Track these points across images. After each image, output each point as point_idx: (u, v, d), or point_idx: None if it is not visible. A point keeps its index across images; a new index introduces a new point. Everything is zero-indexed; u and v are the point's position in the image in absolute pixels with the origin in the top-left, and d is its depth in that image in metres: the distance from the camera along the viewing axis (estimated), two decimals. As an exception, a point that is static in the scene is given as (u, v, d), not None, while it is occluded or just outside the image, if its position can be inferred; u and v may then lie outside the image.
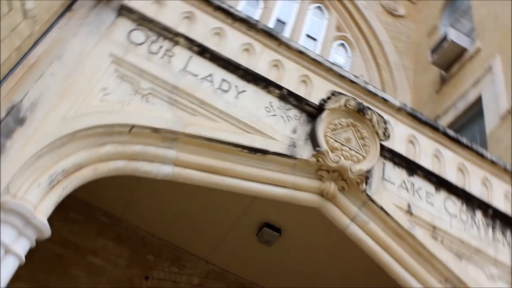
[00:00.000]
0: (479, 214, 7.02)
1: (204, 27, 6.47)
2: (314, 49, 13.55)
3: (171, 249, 8.70)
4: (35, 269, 7.66)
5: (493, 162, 7.57)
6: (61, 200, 5.13)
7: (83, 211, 8.37)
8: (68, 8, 5.92)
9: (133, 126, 5.45)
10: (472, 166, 7.39)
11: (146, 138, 5.57)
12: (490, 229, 6.98)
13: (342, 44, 14.64)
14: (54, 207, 5.05)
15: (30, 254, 4.95)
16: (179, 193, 7.41)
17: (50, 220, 4.94)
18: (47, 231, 4.88)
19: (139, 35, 6.00)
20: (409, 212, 6.49)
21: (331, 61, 7.23)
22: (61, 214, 7.37)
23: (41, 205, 4.86)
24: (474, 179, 7.28)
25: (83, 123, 5.21)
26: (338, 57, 14.24)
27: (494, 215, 7.09)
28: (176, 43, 6.14)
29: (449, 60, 12.58)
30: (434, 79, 13.31)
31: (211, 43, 6.36)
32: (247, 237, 7.94)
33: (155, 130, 5.56)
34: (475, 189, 7.18)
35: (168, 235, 8.64)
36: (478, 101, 11.18)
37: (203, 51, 6.21)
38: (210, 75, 6.16)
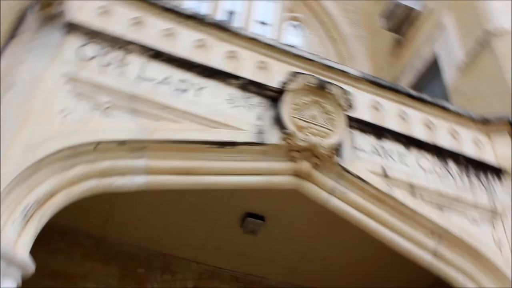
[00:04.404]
0: (452, 164, 7.12)
1: (155, 30, 6.43)
2: (269, 34, 13.55)
3: (160, 258, 8.64)
4: (28, 304, 7.54)
5: (458, 114, 7.69)
6: (39, 231, 5.05)
7: (64, 237, 8.23)
8: (12, 35, 5.81)
9: (98, 143, 5.38)
10: (439, 120, 7.49)
11: (113, 152, 5.50)
12: (465, 176, 7.08)
13: (295, 25, 14.67)
14: (33, 239, 4.94)
15: (21, 291, 4.86)
16: (156, 200, 7.37)
17: (34, 253, 4.87)
18: (30, 267, 4.78)
19: (89, 50, 5.90)
20: (384, 175, 6.56)
21: (286, 43, 7.24)
22: (43, 244, 7.24)
23: (20, 241, 4.76)
24: (442, 132, 7.39)
25: (47, 149, 5.10)
26: (293, 38, 14.27)
27: (466, 162, 7.21)
28: (128, 51, 6.08)
29: (400, 22, 12.72)
30: (388, 43, 13.44)
31: (165, 45, 6.33)
32: (232, 231, 7.94)
33: (121, 143, 5.50)
34: (445, 141, 7.29)
35: (154, 244, 8.56)
36: (433, 57, 11.31)
37: (157, 55, 6.17)
38: (167, 77, 6.12)
